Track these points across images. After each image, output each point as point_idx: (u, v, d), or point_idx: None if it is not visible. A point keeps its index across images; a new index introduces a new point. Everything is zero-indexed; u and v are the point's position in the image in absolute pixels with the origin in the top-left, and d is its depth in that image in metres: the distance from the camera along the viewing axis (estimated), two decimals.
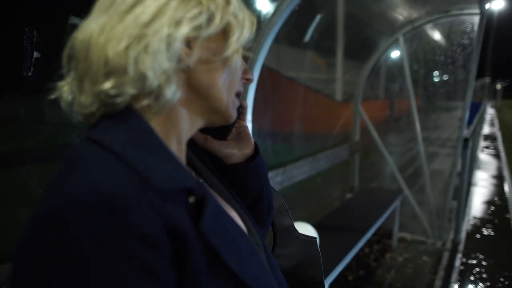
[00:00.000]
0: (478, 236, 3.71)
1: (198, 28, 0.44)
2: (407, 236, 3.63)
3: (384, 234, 3.64)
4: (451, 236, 3.55)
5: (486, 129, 12.85)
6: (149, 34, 0.41)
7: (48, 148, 1.24)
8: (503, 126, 15.16)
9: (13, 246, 0.34)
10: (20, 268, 0.32)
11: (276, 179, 2.41)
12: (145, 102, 0.42)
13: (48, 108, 1.16)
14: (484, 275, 2.90)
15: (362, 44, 3.66)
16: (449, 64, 3.64)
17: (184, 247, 0.37)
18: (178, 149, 0.48)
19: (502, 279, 2.79)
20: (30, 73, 1.14)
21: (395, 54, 3.67)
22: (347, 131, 3.82)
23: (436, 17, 3.13)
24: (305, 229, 2.20)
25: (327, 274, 2.02)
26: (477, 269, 3.00)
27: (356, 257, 3.17)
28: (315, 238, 0.78)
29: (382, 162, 3.72)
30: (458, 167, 3.24)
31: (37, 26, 1.12)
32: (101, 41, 0.40)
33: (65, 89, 0.44)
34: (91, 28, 0.41)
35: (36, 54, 1.11)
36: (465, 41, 3.34)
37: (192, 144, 0.64)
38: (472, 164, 5.28)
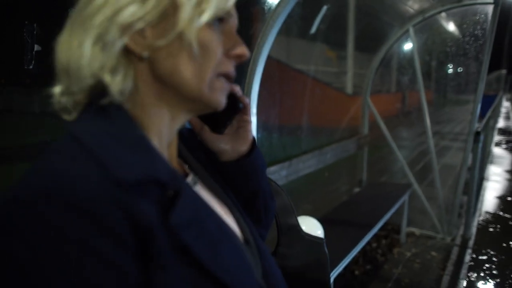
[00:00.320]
0: (489, 231, 3.65)
1: (134, 14, 0.41)
2: (416, 231, 3.58)
3: (392, 229, 3.60)
4: (461, 231, 3.50)
5: (501, 123, 12.58)
6: (88, 28, 0.41)
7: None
8: None
9: None
10: None
11: (282, 172, 2.40)
12: (106, 98, 0.42)
13: None
14: (495, 271, 2.85)
15: (373, 36, 3.60)
16: (461, 55, 3.56)
17: (148, 240, 0.36)
18: (159, 142, 0.47)
19: None
20: (31, 66, 1.15)
21: (407, 46, 3.61)
22: (358, 125, 3.78)
23: (448, 7, 3.04)
24: (310, 223, 2.19)
25: (332, 268, 2.01)
26: (487, 265, 2.95)
27: (363, 252, 3.15)
28: (322, 239, 0.76)
29: (392, 156, 3.67)
30: (469, 161, 3.18)
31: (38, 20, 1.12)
32: (64, 39, 0.43)
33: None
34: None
35: (36, 47, 1.12)
36: (478, 32, 3.26)
37: (188, 138, 0.62)
38: (484, 158, 5.18)
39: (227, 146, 0.62)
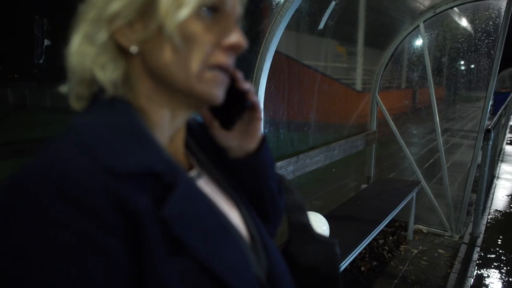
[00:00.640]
0: (498, 229, 3.61)
1: (115, 7, 0.42)
2: (424, 228, 3.56)
3: (399, 226, 3.59)
4: (470, 229, 3.46)
5: None
6: (82, 23, 0.44)
7: None
8: None
9: None
10: None
11: (289, 168, 2.41)
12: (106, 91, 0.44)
13: None
14: (503, 270, 2.83)
15: (384, 31, 3.56)
16: (473, 51, 3.51)
17: (139, 229, 0.37)
18: (161, 135, 0.48)
19: None
20: (41, 61, 1.18)
21: (418, 42, 3.56)
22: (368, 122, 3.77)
23: (460, 2, 3.00)
24: (316, 218, 2.19)
25: None
26: (496, 263, 2.92)
27: (370, 248, 3.15)
28: (335, 240, 0.74)
29: (402, 153, 3.65)
30: (479, 159, 3.14)
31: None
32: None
33: None
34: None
35: (46, 42, 1.15)
36: (491, 28, 3.20)
37: (199, 132, 0.62)
38: (495, 156, 5.10)
39: (235, 142, 0.60)
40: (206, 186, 0.55)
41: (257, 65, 2.05)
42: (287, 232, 0.77)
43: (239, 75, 0.56)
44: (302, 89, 3.10)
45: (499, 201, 4.43)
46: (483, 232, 3.48)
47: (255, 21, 2.04)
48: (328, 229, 2.15)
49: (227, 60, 0.47)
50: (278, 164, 2.28)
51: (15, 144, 1.19)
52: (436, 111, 3.25)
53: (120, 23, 0.43)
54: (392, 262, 2.97)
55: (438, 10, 3.09)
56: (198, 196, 0.47)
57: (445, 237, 3.40)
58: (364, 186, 3.59)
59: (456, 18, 3.40)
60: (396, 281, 2.70)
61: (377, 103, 3.64)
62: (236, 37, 0.46)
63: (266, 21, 2.03)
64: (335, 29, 3.12)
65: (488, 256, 3.05)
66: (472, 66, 3.67)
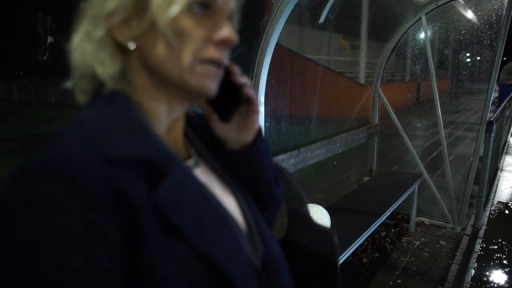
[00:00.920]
0: (501, 221, 3.61)
1: (110, 4, 0.45)
2: (426, 220, 3.58)
3: (402, 218, 3.61)
4: (472, 221, 3.48)
5: None
6: (83, 20, 0.47)
7: None
8: None
9: None
10: None
11: (290, 161, 2.43)
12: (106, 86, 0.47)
13: None
14: (505, 261, 2.84)
15: (387, 24, 3.55)
16: (476, 43, 3.49)
17: (133, 213, 0.40)
18: (158, 125, 0.51)
19: None
20: (45, 57, 1.21)
21: (421, 35, 3.55)
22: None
23: None
24: (317, 210, 2.22)
25: (339, 254, 2.04)
26: (497, 255, 2.94)
27: (372, 240, 3.17)
28: (333, 229, 0.75)
29: (405, 146, 3.66)
30: (481, 151, 3.14)
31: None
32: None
33: None
34: None
35: (50, 39, 1.17)
36: (494, 20, 3.18)
37: (199, 123, 0.65)
38: (498, 148, 5.08)
39: (232, 134, 0.62)
40: (203, 175, 0.57)
41: (257, 59, 2.07)
42: (286, 222, 0.79)
43: (236, 69, 0.58)
44: (304, 83, 3.11)
45: (502, 193, 4.43)
46: (485, 223, 3.49)
47: (256, 15, 2.05)
48: (329, 221, 2.17)
49: (219, 54, 0.48)
50: (280, 157, 2.31)
51: (24, 140, 1.22)
52: (438, 104, 3.25)
53: (116, 20, 0.45)
54: (394, 254, 3.00)
55: (440, 2, 3.08)
56: (194, 184, 0.49)
57: (447, 229, 3.42)
58: (366, 179, 3.60)
59: (458, 10, 3.38)
60: (397, 272, 2.73)
61: (379, 96, 3.64)
62: (226, 32, 0.48)
63: (266, 15, 2.04)
64: (338, 23, 3.12)
65: (490, 247, 3.06)
66: (478, 58, 3.66)
